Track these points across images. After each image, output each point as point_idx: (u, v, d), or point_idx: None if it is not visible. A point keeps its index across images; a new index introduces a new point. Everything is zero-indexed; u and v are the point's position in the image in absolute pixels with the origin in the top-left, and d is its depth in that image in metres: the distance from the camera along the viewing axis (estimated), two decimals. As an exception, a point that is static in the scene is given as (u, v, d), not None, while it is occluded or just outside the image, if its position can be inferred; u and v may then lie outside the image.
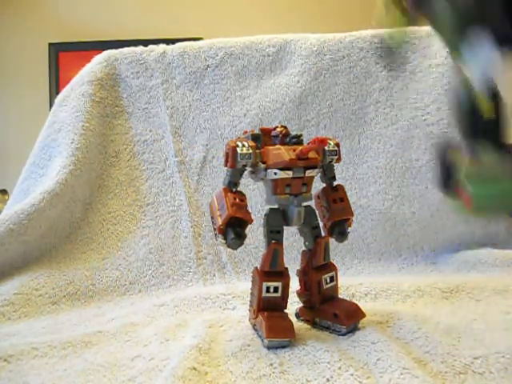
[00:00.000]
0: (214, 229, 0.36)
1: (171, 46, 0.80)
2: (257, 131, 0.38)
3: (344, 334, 0.36)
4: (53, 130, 0.74)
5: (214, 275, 0.64)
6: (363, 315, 0.37)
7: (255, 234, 0.59)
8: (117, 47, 0.81)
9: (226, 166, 0.36)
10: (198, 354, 0.32)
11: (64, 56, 2.36)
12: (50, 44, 2.36)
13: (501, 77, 0.26)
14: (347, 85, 0.76)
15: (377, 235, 0.68)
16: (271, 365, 0.31)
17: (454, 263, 0.62)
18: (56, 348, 0.38)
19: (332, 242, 0.39)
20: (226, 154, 0.36)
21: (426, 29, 0.79)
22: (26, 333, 0.44)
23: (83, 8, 2.37)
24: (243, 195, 0.36)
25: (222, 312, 0.46)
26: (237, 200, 0.35)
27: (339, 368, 0.29)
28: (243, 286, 0.55)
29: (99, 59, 0.79)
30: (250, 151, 0.35)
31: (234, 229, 0.34)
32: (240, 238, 0.34)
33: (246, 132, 0.38)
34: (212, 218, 0.36)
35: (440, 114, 0.72)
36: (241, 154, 0.35)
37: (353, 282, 0.41)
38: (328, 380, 0.28)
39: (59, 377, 0.32)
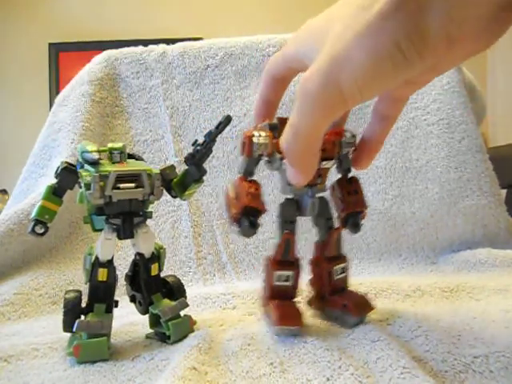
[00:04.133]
0: (228, 216, 0.36)
1: (171, 46, 0.80)
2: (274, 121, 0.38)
3: (352, 326, 0.36)
4: (53, 130, 0.74)
5: (214, 275, 0.64)
6: (372, 308, 0.37)
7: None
8: (117, 47, 0.81)
9: (242, 154, 0.36)
10: (198, 354, 0.32)
11: (64, 56, 2.37)
12: (50, 44, 2.37)
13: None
14: (347, 85, 0.76)
15: (377, 235, 0.68)
16: (271, 364, 0.31)
17: (453, 263, 0.62)
18: (56, 348, 0.38)
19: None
20: (243, 143, 0.36)
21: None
22: (26, 333, 0.44)
23: (83, 8, 2.37)
24: (258, 184, 0.36)
25: (222, 312, 0.46)
26: (252, 189, 0.35)
27: (339, 367, 0.29)
28: (243, 286, 0.55)
29: (99, 59, 0.79)
30: (267, 141, 0.35)
31: (248, 218, 0.34)
32: (254, 227, 0.35)
33: (263, 121, 0.38)
34: (226, 206, 0.36)
35: (440, 114, 0.72)
36: (257, 144, 0.35)
37: (353, 281, 0.41)
38: (328, 379, 0.28)
39: (59, 377, 0.32)
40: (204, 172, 0.38)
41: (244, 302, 0.48)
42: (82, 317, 0.36)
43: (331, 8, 0.29)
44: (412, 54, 0.23)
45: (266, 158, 0.37)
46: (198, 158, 0.37)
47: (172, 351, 0.35)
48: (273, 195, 0.64)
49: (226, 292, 0.51)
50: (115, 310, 0.38)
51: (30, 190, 0.70)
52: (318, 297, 0.40)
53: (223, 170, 0.73)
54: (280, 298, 0.37)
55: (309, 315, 0.40)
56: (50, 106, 0.82)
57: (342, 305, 0.37)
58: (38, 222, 0.36)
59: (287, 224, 0.37)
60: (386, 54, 0.23)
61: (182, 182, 0.39)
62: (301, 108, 0.27)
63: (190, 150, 0.38)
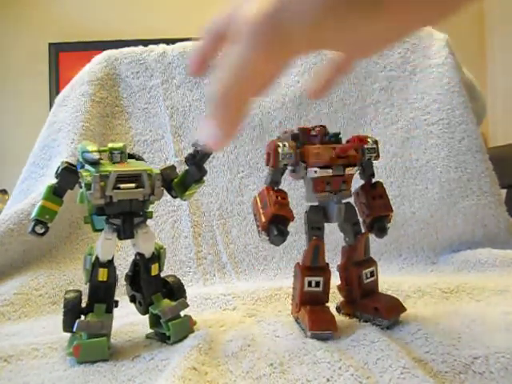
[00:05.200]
0: (258, 225, 0.37)
1: (171, 46, 0.80)
2: (295, 131, 0.39)
3: (386, 328, 0.36)
4: (53, 130, 0.74)
5: (214, 275, 0.64)
6: (404, 309, 0.37)
7: (255, 233, 0.59)
8: (117, 47, 0.81)
9: (267, 165, 0.37)
10: (198, 354, 0.32)
11: (64, 56, 2.36)
12: (50, 44, 2.36)
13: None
14: (347, 85, 0.76)
15: (377, 235, 0.68)
16: (271, 365, 0.31)
17: (454, 263, 0.62)
18: (56, 348, 0.38)
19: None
20: (268, 154, 0.37)
21: (425, 29, 0.80)
22: (26, 333, 0.44)
23: (83, 8, 2.37)
24: (285, 193, 0.37)
25: (222, 312, 0.46)
26: (279, 198, 0.36)
27: (339, 368, 0.29)
28: (243, 286, 0.55)
29: (99, 59, 0.79)
30: (291, 151, 0.36)
31: (276, 226, 0.35)
32: (283, 234, 0.35)
33: (285, 132, 0.39)
34: (255, 215, 0.37)
35: (440, 114, 0.71)
36: (282, 154, 0.36)
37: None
38: (328, 380, 0.28)
39: (59, 377, 0.32)
40: (204, 172, 0.38)
41: (244, 302, 0.48)
42: (82, 317, 0.36)
43: None
44: (369, 5, 0.22)
45: (291, 168, 0.38)
46: (198, 158, 0.37)
47: (172, 351, 0.35)
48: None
49: (226, 292, 0.51)
50: (115, 310, 0.38)
51: (30, 190, 0.70)
52: (347, 302, 0.41)
53: (223, 170, 0.73)
54: (311, 304, 0.37)
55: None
56: (50, 106, 0.82)
57: (374, 308, 0.37)
58: (38, 221, 0.36)
59: (315, 230, 0.38)
60: (343, 1, 0.22)
61: (183, 182, 0.39)
62: (243, 46, 0.24)
63: (191, 150, 0.38)
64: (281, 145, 0.36)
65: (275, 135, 0.37)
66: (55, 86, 2.37)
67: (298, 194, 0.66)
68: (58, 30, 2.38)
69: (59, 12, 2.41)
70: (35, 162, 0.74)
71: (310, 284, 0.37)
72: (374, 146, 0.38)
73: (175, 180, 0.39)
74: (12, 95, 2.40)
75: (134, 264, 0.40)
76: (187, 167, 0.38)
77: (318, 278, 0.37)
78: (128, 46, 0.81)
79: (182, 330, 0.38)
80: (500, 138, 2.05)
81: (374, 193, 0.39)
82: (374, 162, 0.40)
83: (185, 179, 0.39)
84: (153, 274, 0.38)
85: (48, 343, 0.39)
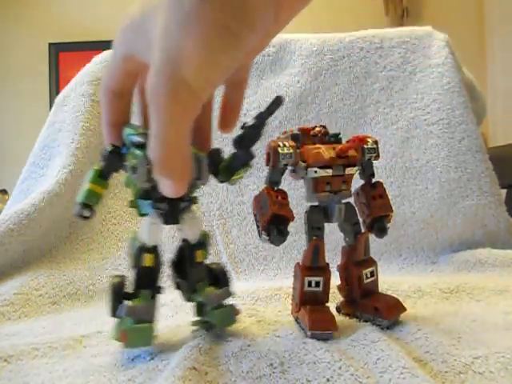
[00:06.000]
0: (258, 226, 0.37)
1: (171, 46, 0.80)
2: (295, 131, 0.39)
3: (386, 328, 0.36)
4: (53, 130, 0.74)
5: (214, 275, 0.64)
6: (404, 309, 0.37)
7: (255, 233, 0.59)
8: (117, 47, 0.81)
9: (267, 165, 0.37)
10: (198, 354, 0.32)
11: (64, 56, 2.37)
12: (50, 44, 2.37)
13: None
14: (347, 85, 0.76)
15: (377, 235, 0.68)
16: (271, 365, 0.31)
17: (454, 263, 0.62)
18: (56, 348, 0.38)
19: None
20: (268, 154, 0.37)
21: (425, 29, 0.80)
22: (26, 333, 0.44)
23: (83, 8, 2.37)
24: (285, 193, 0.37)
25: (222, 312, 0.46)
26: (279, 198, 0.36)
27: (339, 368, 0.29)
28: (243, 287, 0.55)
29: (99, 59, 0.79)
30: (291, 151, 0.36)
31: (276, 226, 0.35)
32: (283, 234, 0.35)
33: (285, 132, 0.39)
34: (255, 215, 0.37)
35: (440, 114, 0.72)
36: (282, 154, 0.36)
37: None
38: (328, 380, 0.28)
39: (59, 377, 0.32)
40: (252, 156, 0.36)
41: (244, 302, 0.48)
42: (126, 302, 0.35)
43: None
44: (240, 28, 0.22)
45: (291, 168, 0.38)
46: (246, 141, 0.35)
47: (172, 351, 0.35)
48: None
49: (226, 292, 0.51)
50: None
51: (30, 190, 0.70)
52: (347, 302, 0.41)
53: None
54: (311, 304, 0.37)
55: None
56: (50, 106, 0.82)
57: (374, 308, 0.37)
58: (84, 205, 0.35)
59: (315, 230, 0.38)
60: (214, 35, 0.22)
61: (230, 166, 0.37)
62: (158, 116, 0.25)
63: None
64: (281, 145, 0.36)
65: (275, 135, 0.37)
66: (55, 86, 2.38)
67: (298, 193, 0.66)
68: (58, 30, 2.38)
69: (59, 12, 2.41)
70: (35, 162, 0.74)
71: (310, 284, 0.37)
72: (374, 146, 0.39)
73: (221, 164, 0.37)
74: (12, 95, 2.40)
75: (180, 250, 0.38)
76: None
77: (317, 278, 0.37)
78: (128, 45, 0.81)
79: (227, 318, 0.37)
80: (500, 138, 2.05)
81: (374, 193, 0.39)
82: (373, 161, 0.40)
83: (232, 163, 0.36)
84: (198, 260, 0.37)
85: (48, 343, 0.39)
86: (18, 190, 0.73)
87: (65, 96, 0.77)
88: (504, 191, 0.99)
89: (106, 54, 0.80)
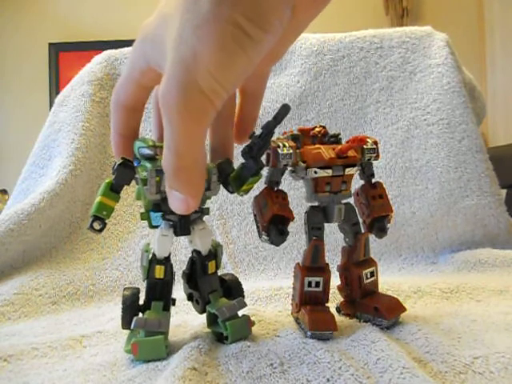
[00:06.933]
0: (258, 226, 0.37)
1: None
2: (295, 132, 0.39)
3: (386, 328, 0.36)
4: (53, 130, 0.74)
5: (214, 275, 0.64)
6: (404, 309, 0.37)
7: (255, 233, 0.59)
8: (117, 47, 0.81)
9: (267, 165, 0.37)
10: (198, 355, 0.32)
11: (64, 56, 2.37)
12: (50, 44, 2.37)
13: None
14: (347, 85, 0.76)
15: (377, 235, 0.68)
16: (271, 365, 0.31)
17: (454, 263, 0.62)
18: (56, 348, 0.38)
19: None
20: (268, 154, 0.37)
21: (425, 29, 0.80)
22: (26, 333, 0.44)
23: (83, 8, 2.37)
24: (285, 194, 0.37)
25: (222, 312, 0.46)
26: (279, 198, 0.36)
27: (339, 368, 0.29)
28: (243, 286, 0.55)
29: (99, 59, 0.79)
30: (291, 151, 0.36)
31: (276, 226, 0.35)
32: (283, 234, 0.35)
33: (285, 133, 0.39)
34: (255, 215, 0.37)
35: (440, 114, 0.72)
36: (282, 154, 0.36)
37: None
38: (328, 380, 0.28)
39: (59, 377, 0.32)
40: (262, 165, 0.36)
41: (244, 302, 0.48)
42: (140, 314, 0.35)
43: (160, 4, 0.27)
44: (255, 30, 0.22)
45: (291, 168, 0.38)
46: (255, 150, 0.35)
47: (172, 352, 0.35)
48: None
49: (225, 292, 0.51)
50: (115, 310, 0.38)
51: (30, 190, 0.70)
52: (347, 302, 0.41)
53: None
54: (311, 304, 0.37)
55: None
56: (50, 106, 0.82)
57: (374, 308, 0.37)
58: (96, 217, 0.35)
59: (315, 230, 0.38)
60: (229, 38, 0.22)
61: (239, 176, 0.36)
62: (170, 124, 0.24)
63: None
64: (281, 145, 0.36)
65: (275, 135, 0.37)
66: (55, 86, 2.37)
67: (298, 194, 0.66)
68: (58, 30, 2.38)
69: (59, 12, 2.41)
70: (35, 162, 0.74)
71: (309, 284, 0.37)
72: (374, 146, 0.39)
73: (231, 174, 0.37)
74: (12, 95, 2.40)
75: (191, 262, 0.38)
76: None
77: (318, 278, 0.37)
78: (128, 46, 0.80)
79: (240, 330, 0.36)
80: (500, 138, 2.05)
81: (374, 193, 0.39)
82: (373, 161, 0.40)
83: (241, 173, 0.36)
84: (210, 271, 0.37)
85: (48, 343, 0.39)
86: (17, 190, 0.73)
87: (65, 96, 0.77)
88: (504, 191, 0.99)
89: (106, 54, 0.80)
